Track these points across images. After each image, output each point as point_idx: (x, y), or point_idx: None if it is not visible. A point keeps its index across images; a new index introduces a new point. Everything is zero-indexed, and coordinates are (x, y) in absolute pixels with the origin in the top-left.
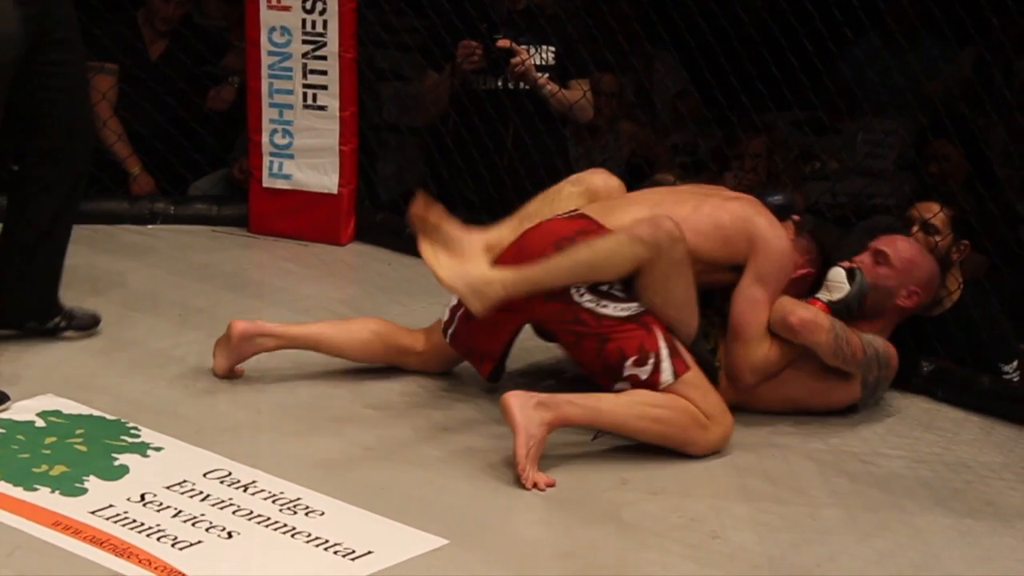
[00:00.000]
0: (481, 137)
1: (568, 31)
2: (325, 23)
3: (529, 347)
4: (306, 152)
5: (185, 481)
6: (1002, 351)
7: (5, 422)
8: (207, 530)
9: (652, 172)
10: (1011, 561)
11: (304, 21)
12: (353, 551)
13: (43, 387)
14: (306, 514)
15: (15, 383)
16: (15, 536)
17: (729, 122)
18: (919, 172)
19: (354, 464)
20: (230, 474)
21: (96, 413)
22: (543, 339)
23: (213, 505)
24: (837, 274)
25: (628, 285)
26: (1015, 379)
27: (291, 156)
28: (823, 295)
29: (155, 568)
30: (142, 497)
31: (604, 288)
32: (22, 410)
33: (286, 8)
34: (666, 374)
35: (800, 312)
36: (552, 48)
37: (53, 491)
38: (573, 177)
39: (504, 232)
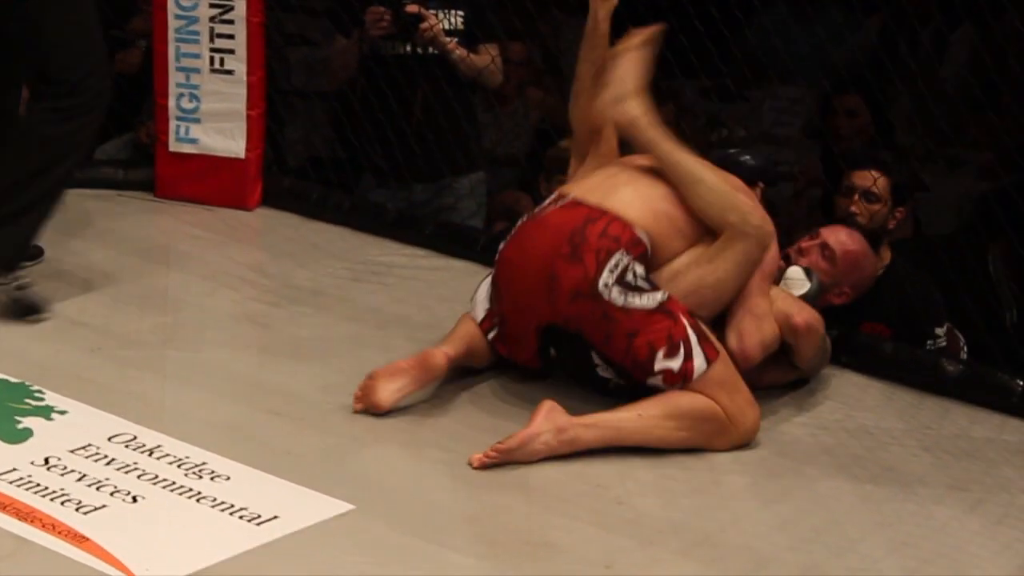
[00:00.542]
0: (389, 103)
1: None
2: None
3: None
4: (213, 116)
5: (90, 445)
6: (932, 317)
7: None
8: (112, 494)
9: (560, 139)
10: (911, 526)
11: None
12: (258, 516)
13: None
14: (211, 479)
15: None
16: None
17: None
18: (824, 132)
19: (260, 429)
20: (135, 438)
21: (0, 376)
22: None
23: (118, 469)
24: (796, 272)
25: (652, 282)
26: (944, 345)
27: (198, 120)
28: (798, 286)
29: (59, 532)
30: (46, 461)
31: (632, 281)
32: None
33: None
34: (698, 360)
35: (804, 314)
36: (461, 13)
37: None
38: None
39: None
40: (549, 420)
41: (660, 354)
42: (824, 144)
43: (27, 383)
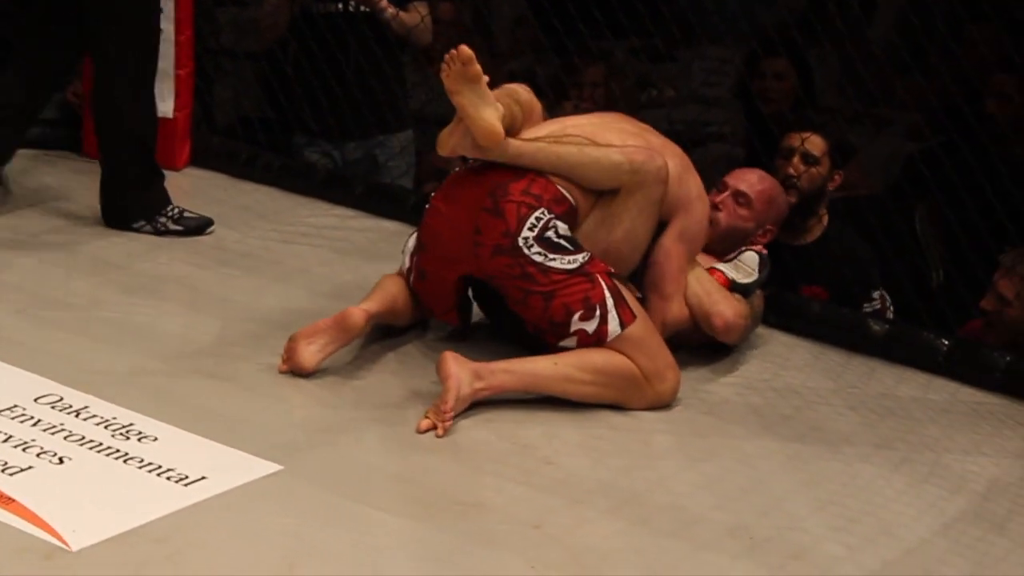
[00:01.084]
0: (319, 63)
1: None
2: None
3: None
4: None
5: (16, 406)
6: (868, 281)
7: None
8: (38, 455)
9: None
10: (837, 485)
11: None
12: (186, 476)
13: None
14: (139, 439)
15: None
16: None
17: (566, 50)
18: (749, 94)
19: (188, 390)
20: (62, 399)
21: None
22: (481, 308)
23: (44, 430)
24: (751, 259)
25: (575, 240)
26: (878, 307)
27: None
28: (729, 271)
29: None
30: None
31: (554, 238)
32: None
33: None
34: (613, 324)
35: (727, 314)
36: None
37: None
38: (508, 89)
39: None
40: (462, 367)
41: (576, 316)
42: (749, 105)
43: None
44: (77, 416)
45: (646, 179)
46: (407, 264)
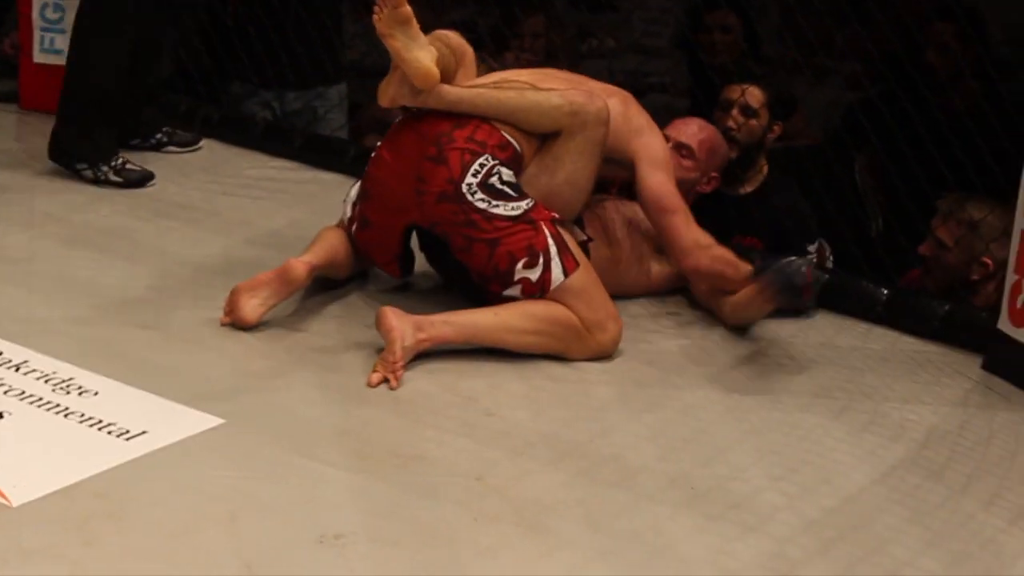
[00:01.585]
0: (259, 12)
1: None
2: None
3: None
4: None
5: None
6: (804, 234)
7: None
8: None
9: None
10: (778, 434)
11: None
12: (127, 431)
13: None
14: (79, 394)
15: None
16: None
17: (507, 0)
18: (688, 47)
19: (129, 344)
20: (1, 354)
21: None
22: (427, 258)
23: None
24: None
25: (519, 187)
26: (814, 260)
27: (63, 31)
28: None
29: None
30: None
31: (497, 184)
32: None
33: None
34: (556, 271)
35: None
36: None
37: None
38: (439, 33)
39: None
40: (402, 320)
41: (520, 264)
42: (692, 56)
43: None
44: (17, 371)
45: (587, 120)
46: (349, 214)
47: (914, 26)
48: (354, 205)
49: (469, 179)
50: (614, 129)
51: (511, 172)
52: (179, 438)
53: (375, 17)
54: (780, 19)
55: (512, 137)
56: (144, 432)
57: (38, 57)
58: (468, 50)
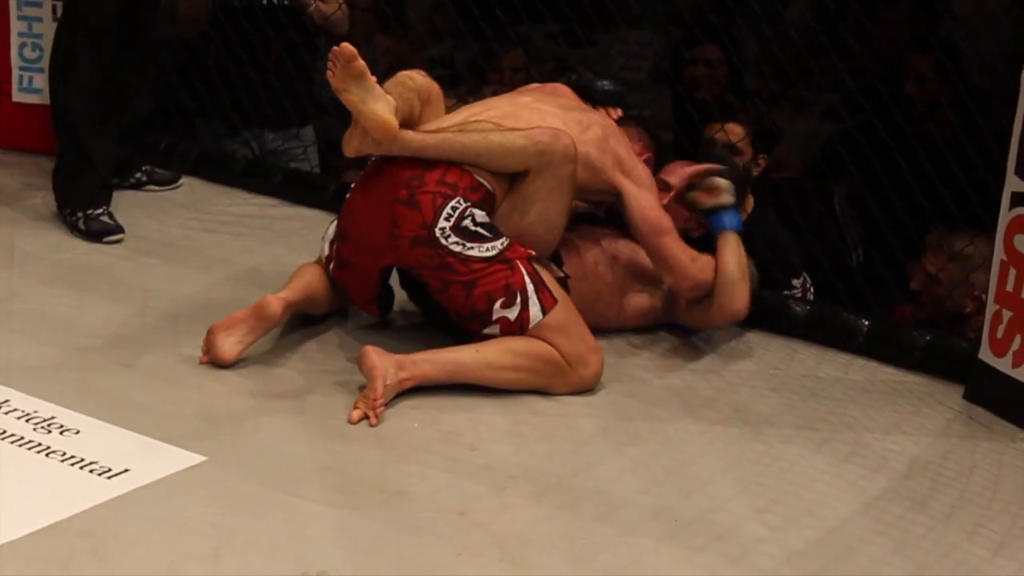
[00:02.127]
0: (238, 52)
1: None
2: None
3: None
4: None
5: None
6: (789, 269)
7: None
8: None
9: None
10: (759, 466)
11: None
12: (110, 469)
13: None
14: (61, 433)
15: None
16: None
17: (485, 35)
18: (673, 81)
19: (110, 381)
20: None
21: None
22: (409, 295)
23: None
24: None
25: (493, 227)
26: (798, 295)
27: (41, 70)
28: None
29: None
30: None
31: (470, 227)
32: None
33: None
34: (534, 310)
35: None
36: None
37: None
38: (401, 76)
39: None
40: (384, 359)
41: (498, 304)
42: (674, 91)
43: None
44: None
45: (553, 159)
46: (327, 252)
47: (890, 57)
48: (331, 243)
49: (442, 223)
50: (590, 163)
51: (484, 213)
52: (161, 476)
53: (329, 73)
54: (758, 51)
55: (483, 178)
56: (126, 470)
57: (17, 96)
58: (434, 88)
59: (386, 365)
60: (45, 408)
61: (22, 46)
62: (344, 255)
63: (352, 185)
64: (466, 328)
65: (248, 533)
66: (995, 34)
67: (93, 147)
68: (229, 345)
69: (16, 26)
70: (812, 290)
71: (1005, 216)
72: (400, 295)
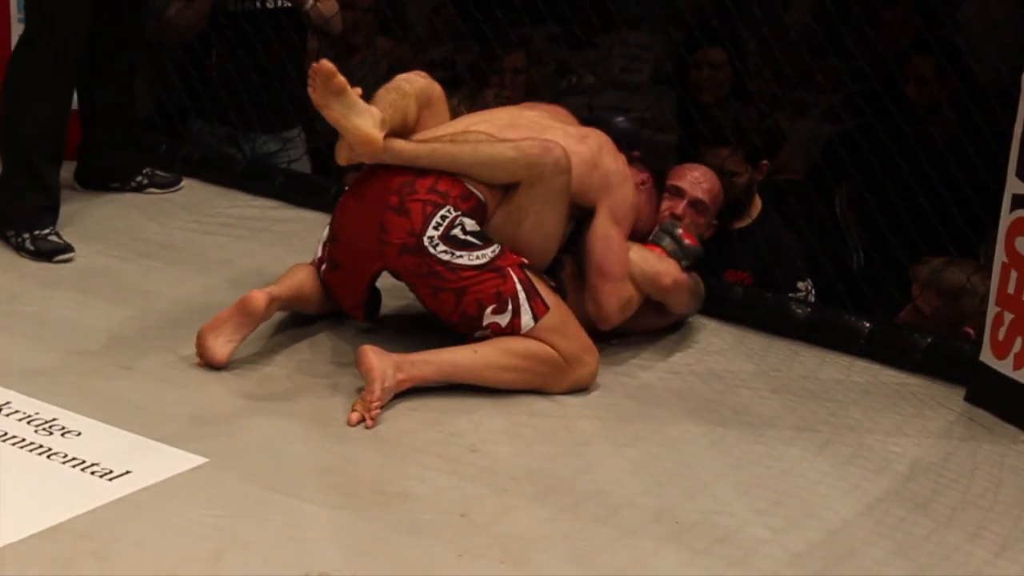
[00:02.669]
0: (239, 55)
1: None
2: None
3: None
4: None
5: None
6: (791, 270)
7: None
8: None
9: None
10: (761, 468)
11: None
12: (111, 471)
13: None
14: (62, 435)
15: None
16: None
17: (486, 37)
18: (676, 84)
19: (111, 383)
20: None
21: None
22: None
23: None
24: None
25: (484, 235)
26: (803, 297)
27: None
28: (666, 244)
29: None
30: None
31: (460, 236)
32: None
33: None
34: (526, 318)
35: (671, 271)
36: None
37: None
38: (397, 81)
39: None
40: (382, 359)
41: (489, 310)
42: (678, 94)
43: None
44: None
45: (544, 171)
46: (319, 253)
47: (891, 60)
48: (324, 245)
49: (431, 232)
50: (580, 175)
51: (474, 222)
52: (162, 477)
53: (309, 90)
54: (759, 53)
55: (474, 187)
56: (128, 472)
57: None
58: (435, 89)
59: (384, 367)
60: (46, 410)
61: None
62: (336, 257)
63: (345, 188)
64: (457, 331)
65: (249, 535)
66: (995, 36)
67: (45, 169)
68: (219, 345)
69: (16, 29)
70: (813, 292)
71: (1006, 218)
72: (389, 298)
